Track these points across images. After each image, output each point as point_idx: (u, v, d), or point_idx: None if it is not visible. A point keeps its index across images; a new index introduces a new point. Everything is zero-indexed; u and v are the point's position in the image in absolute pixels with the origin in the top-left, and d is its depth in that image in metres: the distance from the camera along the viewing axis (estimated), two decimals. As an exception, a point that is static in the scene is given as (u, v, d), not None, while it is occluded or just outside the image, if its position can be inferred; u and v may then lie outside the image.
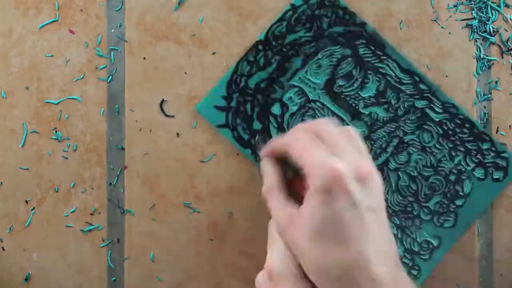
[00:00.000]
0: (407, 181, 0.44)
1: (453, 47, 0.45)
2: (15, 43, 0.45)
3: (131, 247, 0.45)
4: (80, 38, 0.45)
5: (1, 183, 0.45)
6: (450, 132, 0.43)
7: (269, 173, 0.39)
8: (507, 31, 0.45)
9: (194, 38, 0.45)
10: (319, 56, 0.44)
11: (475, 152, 0.44)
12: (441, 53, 0.45)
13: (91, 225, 0.45)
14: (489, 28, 0.44)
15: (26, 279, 0.45)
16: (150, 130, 0.45)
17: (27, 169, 0.45)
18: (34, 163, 0.45)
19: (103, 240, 0.45)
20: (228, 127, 0.44)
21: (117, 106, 0.45)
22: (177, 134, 0.45)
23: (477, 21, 0.44)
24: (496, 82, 0.45)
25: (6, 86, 0.45)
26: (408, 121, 0.44)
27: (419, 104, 0.44)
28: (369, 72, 0.44)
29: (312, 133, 0.36)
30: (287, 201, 0.36)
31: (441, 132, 0.43)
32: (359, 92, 0.43)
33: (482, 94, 0.45)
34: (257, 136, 0.44)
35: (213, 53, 0.45)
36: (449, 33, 0.45)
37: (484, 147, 0.44)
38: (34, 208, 0.45)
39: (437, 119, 0.44)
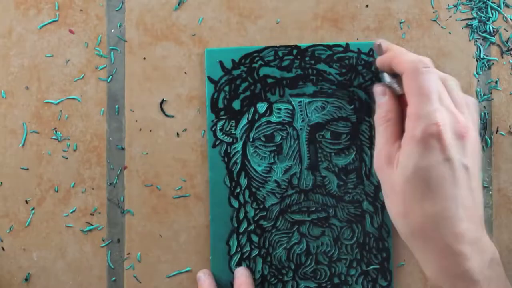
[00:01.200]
0: (301, 251, 0.43)
1: (453, 47, 0.45)
2: (15, 43, 0.45)
3: (131, 247, 0.45)
4: (80, 38, 0.45)
5: (1, 183, 0.45)
6: (367, 248, 0.43)
7: (385, 103, 0.38)
8: (507, 31, 0.45)
9: (194, 38, 0.45)
10: (330, 100, 0.43)
11: (370, 279, 0.43)
12: (441, 53, 0.45)
13: (91, 225, 0.45)
14: (489, 28, 0.44)
15: (26, 279, 0.45)
16: (150, 130, 0.45)
17: (27, 169, 0.45)
18: (34, 163, 0.45)
19: (103, 240, 0.45)
20: (215, 86, 0.43)
21: (117, 106, 0.45)
22: (177, 134, 0.45)
23: (477, 21, 0.44)
24: (496, 82, 0.45)
25: (6, 86, 0.45)
26: (346, 210, 0.43)
27: (365, 205, 0.43)
28: (354, 148, 0.43)
29: (438, 76, 0.36)
30: (394, 139, 0.37)
31: (361, 241, 0.43)
32: (332, 154, 0.43)
33: (482, 94, 0.45)
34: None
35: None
36: (449, 33, 0.45)
37: (381, 283, 0.43)
38: (34, 208, 0.45)
39: (367, 229, 0.43)
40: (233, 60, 0.44)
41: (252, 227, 0.43)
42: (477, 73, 0.45)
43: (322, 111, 0.43)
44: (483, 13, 0.44)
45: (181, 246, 0.45)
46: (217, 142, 0.44)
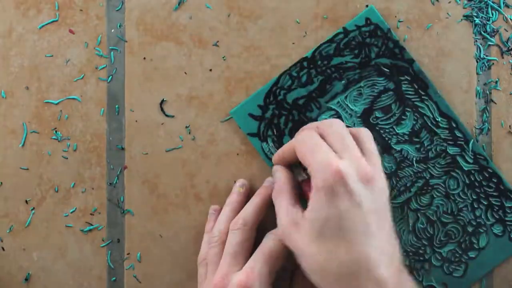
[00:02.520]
0: (424, 224, 0.43)
1: (453, 47, 0.45)
2: (15, 43, 0.45)
3: (131, 247, 0.45)
4: (80, 38, 0.45)
5: (1, 183, 0.45)
6: (477, 184, 0.43)
7: (278, 177, 0.39)
8: (507, 31, 0.45)
9: (194, 38, 0.45)
10: (362, 84, 0.43)
11: (497, 208, 0.43)
12: (441, 53, 0.45)
13: (91, 225, 0.45)
14: (489, 28, 0.44)
15: (26, 279, 0.45)
16: (150, 130, 0.45)
17: (27, 169, 0.45)
18: (34, 163, 0.45)
19: (103, 240, 0.45)
20: (259, 137, 0.44)
21: (117, 106, 0.45)
22: (177, 134, 0.45)
23: (477, 21, 0.44)
24: (496, 82, 0.45)
25: (6, 86, 0.45)
26: (437, 165, 0.43)
27: (451, 150, 0.43)
28: (408, 109, 0.43)
29: (317, 133, 0.37)
30: (293, 205, 0.37)
31: (467, 181, 0.43)
32: (394, 127, 0.43)
33: (482, 94, 0.45)
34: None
35: (213, 53, 0.45)
36: (449, 33, 0.45)
37: (508, 204, 0.43)
38: (34, 208, 0.45)
39: (466, 168, 0.43)
40: (259, 106, 0.44)
41: None
42: (477, 73, 0.45)
43: (362, 97, 0.43)
44: (483, 13, 0.44)
45: (181, 246, 0.45)
46: None
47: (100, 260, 0.45)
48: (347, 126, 0.38)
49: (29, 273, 0.45)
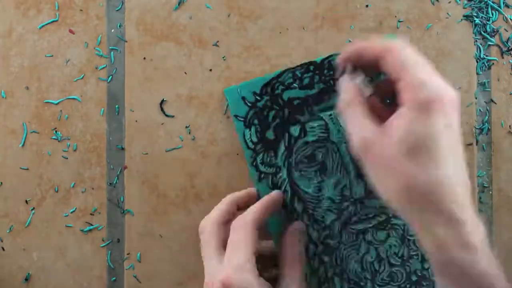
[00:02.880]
0: (373, 258, 0.43)
1: (453, 47, 0.45)
2: (15, 43, 0.45)
3: (131, 247, 0.45)
4: (80, 38, 0.45)
5: (1, 183, 0.45)
6: None
7: (348, 87, 0.37)
8: (507, 31, 0.45)
9: (194, 38, 0.45)
10: None
11: None
12: (441, 53, 0.45)
13: (91, 225, 0.45)
14: (489, 28, 0.44)
15: (26, 279, 0.45)
16: (150, 130, 0.45)
17: (27, 169, 0.45)
18: (34, 163, 0.45)
19: (103, 240, 0.45)
20: (244, 123, 0.44)
21: (117, 106, 0.45)
22: (177, 134, 0.45)
23: (477, 21, 0.44)
24: (497, 82, 0.45)
25: (6, 86, 0.45)
26: None
27: None
28: None
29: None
30: (366, 118, 0.35)
31: None
32: None
33: (482, 94, 0.45)
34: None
35: (213, 53, 0.45)
36: (449, 33, 0.45)
37: None
38: (34, 208, 0.45)
39: None
40: (254, 93, 0.43)
41: (320, 248, 0.43)
42: (477, 73, 0.45)
43: None
44: (483, 13, 0.44)
45: (181, 246, 0.45)
46: (262, 176, 0.43)
47: (100, 260, 0.45)
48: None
49: (29, 273, 0.45)
